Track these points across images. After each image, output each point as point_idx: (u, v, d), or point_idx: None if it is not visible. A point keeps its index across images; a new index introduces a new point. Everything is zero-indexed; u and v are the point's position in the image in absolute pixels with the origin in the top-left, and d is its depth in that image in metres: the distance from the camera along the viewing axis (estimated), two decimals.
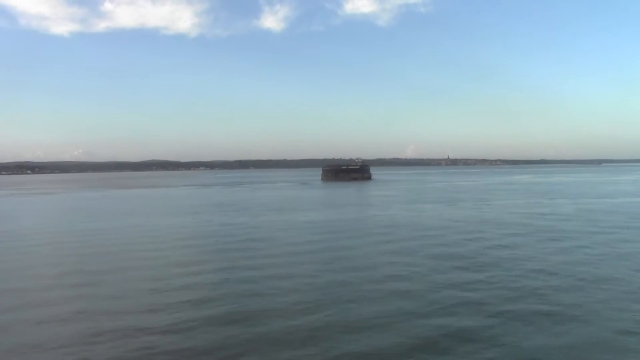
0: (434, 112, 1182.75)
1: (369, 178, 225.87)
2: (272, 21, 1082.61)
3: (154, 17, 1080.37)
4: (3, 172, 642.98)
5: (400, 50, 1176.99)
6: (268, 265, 36.10)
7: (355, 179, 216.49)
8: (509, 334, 20.92)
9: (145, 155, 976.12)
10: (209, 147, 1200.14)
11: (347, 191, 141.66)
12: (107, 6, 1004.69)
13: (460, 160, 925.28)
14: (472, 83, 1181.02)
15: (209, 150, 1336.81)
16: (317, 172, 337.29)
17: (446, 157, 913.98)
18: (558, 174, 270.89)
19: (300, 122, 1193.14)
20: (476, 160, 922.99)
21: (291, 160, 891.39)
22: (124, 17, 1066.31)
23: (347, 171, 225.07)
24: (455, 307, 24.71)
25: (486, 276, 31.15)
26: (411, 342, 20.25)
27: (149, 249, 44.98)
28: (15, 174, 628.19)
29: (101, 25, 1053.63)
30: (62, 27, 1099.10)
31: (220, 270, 34.76)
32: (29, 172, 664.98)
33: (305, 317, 23.67)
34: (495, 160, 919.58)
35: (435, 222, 60.33)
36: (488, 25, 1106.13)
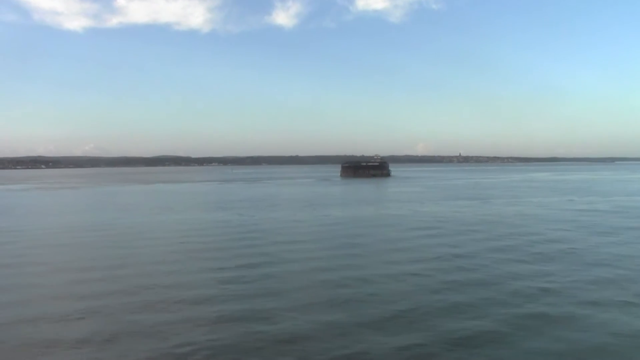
0: (444, 109, 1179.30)
1: (387, 175, 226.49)
2: (284, 17, 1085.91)
3: (167, 12, 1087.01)
4: (18, 167, 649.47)
5: (411, 47, 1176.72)
6: (330, 257, 37.25)
7: (374, 176, 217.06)
8: (596, 320, 21.91)
9: (156, 151, 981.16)
10: (220, 142, 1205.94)
11: (371, 187, 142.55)
12: (120, 2, 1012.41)
13: (472, 157, 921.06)
14: (483, 80, 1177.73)
15: (220, 145, 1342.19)
16: (332, 169, 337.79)
17: (458, 155, 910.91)
18: (576, 172, 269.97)
19: (311, 119, 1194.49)
20: (488, 157, 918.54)
21: (303, 157, 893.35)
22: (137, 12, 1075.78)
23: (367, 168, 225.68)
24: (534, 296, 25.62)
25: (551, 267, 32.05)
26: (500, 328, 21.21)
27: (204, 241, 46.34)
28: (31, 168, 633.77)
29: (114, 21, 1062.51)
30: (75, 23, 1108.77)
31: (284, 262, 35.99)
32: (43, 166, 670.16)
33: (385, 306, 24.70)
34: (507, 158, 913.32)
35: (478, 218, 61.09)
36: (500, 22, 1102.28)
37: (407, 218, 62.70)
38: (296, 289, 27.85)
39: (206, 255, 38.47)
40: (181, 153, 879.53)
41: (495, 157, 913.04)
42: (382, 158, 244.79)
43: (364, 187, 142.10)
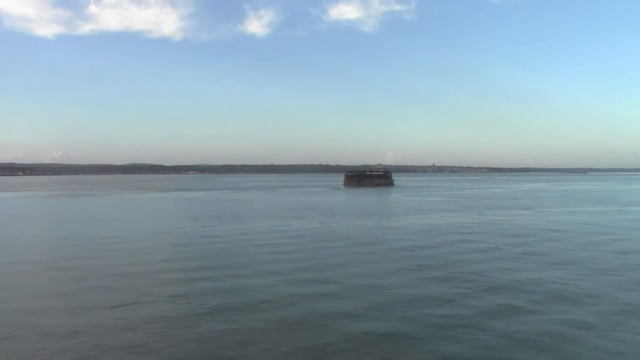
0: (413, 119, 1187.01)
1: (391, 184, 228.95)
2: (256, 26, 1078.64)
3: (139, 20, 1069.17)
4: None
5: (384, 57, 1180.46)
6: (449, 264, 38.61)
7: (379, 185, 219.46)
8: None
9: (127, 159, 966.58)
10: (192, 150, 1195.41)
11: (390, 197, 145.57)
12: (92, 9, 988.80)
13: (446, 167, 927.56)
14: (455, 90, 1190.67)
15: (193, 154, 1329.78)
16: (326, 177, 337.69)
17: (431, 164, 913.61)
18: (569, 182, 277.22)
19: (283, 127, 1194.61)
20: (461, 167, 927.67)
21: (278, 166, 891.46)
22: (109, 20, 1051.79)
23: (371, 177, 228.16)
24: None
25: None
26: None
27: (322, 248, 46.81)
28: (8, 175, 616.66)
29: (86, 28, 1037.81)
30: (46, 29, 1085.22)
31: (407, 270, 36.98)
32: (20, 173, 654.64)
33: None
34: (480, 168, 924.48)
35: (564, 227, 62.68)
36: (473, 33, 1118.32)
37: (482, 228, 62.77)
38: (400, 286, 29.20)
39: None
40: (151, 161, 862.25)
41: (468, 167, 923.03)
42: (384, 167, 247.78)
43: (384, 197, 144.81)
